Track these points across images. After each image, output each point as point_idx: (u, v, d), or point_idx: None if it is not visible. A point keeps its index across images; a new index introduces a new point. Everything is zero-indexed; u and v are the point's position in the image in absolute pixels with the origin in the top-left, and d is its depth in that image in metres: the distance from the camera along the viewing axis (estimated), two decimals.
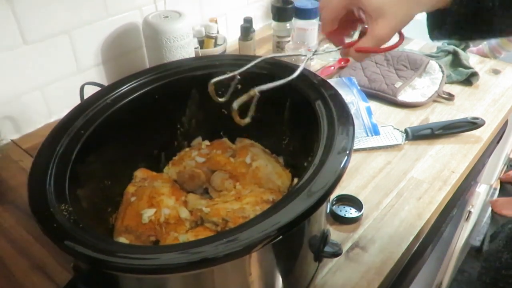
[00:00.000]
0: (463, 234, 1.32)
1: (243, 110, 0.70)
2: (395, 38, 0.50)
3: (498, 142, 0.97)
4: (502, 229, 0.57)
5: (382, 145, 0.80)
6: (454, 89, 0.96)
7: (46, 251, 0.61)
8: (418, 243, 0.67)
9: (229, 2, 1.16)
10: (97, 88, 0.62)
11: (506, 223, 0.57)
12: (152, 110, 0.63)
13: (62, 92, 0.87)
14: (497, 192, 1.77)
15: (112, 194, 0.60)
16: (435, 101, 0.92)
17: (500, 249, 0.53)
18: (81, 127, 0.54)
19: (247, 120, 0.49)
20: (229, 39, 1.08)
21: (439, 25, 0.49)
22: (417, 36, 1.19)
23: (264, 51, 1.14)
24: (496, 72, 1.04)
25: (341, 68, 1.04)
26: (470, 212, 1.21)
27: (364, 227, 0.65)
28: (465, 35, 0.50)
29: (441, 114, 0.89)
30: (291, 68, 0.62)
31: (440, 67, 0.99)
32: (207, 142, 0.70)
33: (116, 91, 0.60)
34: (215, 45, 1.01)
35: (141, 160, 0.65)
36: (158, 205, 0.57)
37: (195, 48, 0.96)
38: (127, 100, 0.60)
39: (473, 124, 0.81)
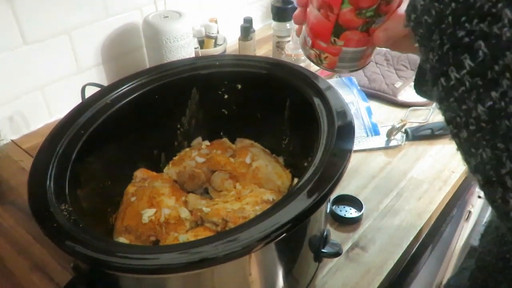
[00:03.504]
0: (463, 234, 1.32)
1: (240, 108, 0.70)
2: None
3: None
4: (489, 227, 0.57)
5: (382, 145, 0.80)
6: None
7: (46, 251, 0.61)
8: (418, 243, 0.67)
9: (229, 2, 1.16)
10: (97, 88, 0.62)
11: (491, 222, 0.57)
12: (152, 110, 0.63)
13: (62, 92, 0.87)
14: None
15: (112, 194, 0.60)
16: None
17: (491, 246, 0.53)
18: (81, 127, 0.54)
19: None
20: (229, 39, 1.08)
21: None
22: None
23: (264, 51, 1.14)
24: None
25: None
26: (470, 212, 1.21)
27: (364, 227, 0.65)
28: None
29: (441, 114, 0.89)
30: (291, 68, 0.63)
31: None
32: (207, 142, 0.70)
33: (116, 91, 0.60)
34: (215, 45, 1.01)
35: (141, 160, 0.65)
36: (158, 205, 0.57)
37: (195, 48, 0.96)
38: (127, 100, 0.60)
39: None
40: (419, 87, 0.46)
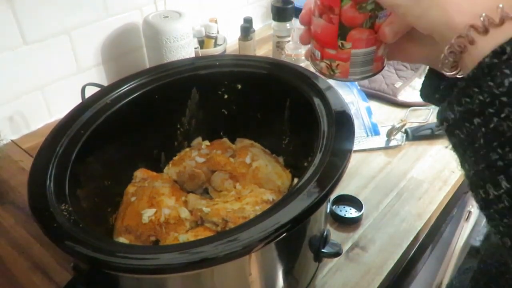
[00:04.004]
0: (463, 234, 1.32)
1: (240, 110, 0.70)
2: None
3: None
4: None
5: (382, 145, 0.80)
6: None
7: (46, 251, 0.61)
8: (418, 243, 0.67)
9: (229, 2, 1.16)
10: (97, 88, 0.62)
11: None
12: (152, 110, 0.63)
13: (62, 92, 0.87)
14: None
15: (112, 194, 0.60)
16: None
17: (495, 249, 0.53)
18: (81, 127, 0.54)
19: None
20: (229, 39, 1.08)
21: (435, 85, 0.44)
22: None
23: (264, 51, 1.14)
24: None
25: None
26: (470, 212, 1.21)
27: (364, 227, 0.65)
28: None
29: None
30: (291, 68, 0.63)
31: None
32: (207, 142, 0.70)
33: (116, 91, 0.60)
34: (215, 45, 1.01)
35: (141, 160, 0.65)
36: (158, 205, 0.57)
37: (195, 48, 0.96)
38: (127, 100, 0.60)
39: None
40: (426, 96, 0.45)
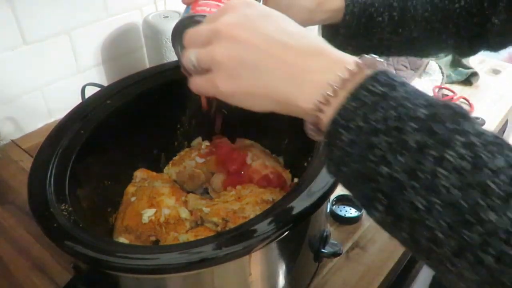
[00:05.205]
0: None
1: None
2: None
3: None
4: None
5: None
6: (454, 89, 0.96)
7: (46, 251, 0.61)
8: None
9: None
10: (97, 88, 0.62)
11: None
12: (152, 110, 0.63)
13: (62, 92, 0.87)
14: None
15: (112, 194, 0.60)
16: None
17: None
18: (81, 128, 0.54)
19: None
20: None
21: (333, 36, 0.52)
22: None
23: None
24: (496, 72, 1.04)
25: None
26: None
27: (364, 227, 0.65)
28: (358, 47, 0.52)
29: None
30: None
31: (440, 68, 0.99)
32: (207, 142, 0.70)
33: (116, 91, 0.60)
34: None
35: (141, 160, 0.65)
36: (158, 205, 0.57)
37: None
38: (127, 100, 0.60)
39: None
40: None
